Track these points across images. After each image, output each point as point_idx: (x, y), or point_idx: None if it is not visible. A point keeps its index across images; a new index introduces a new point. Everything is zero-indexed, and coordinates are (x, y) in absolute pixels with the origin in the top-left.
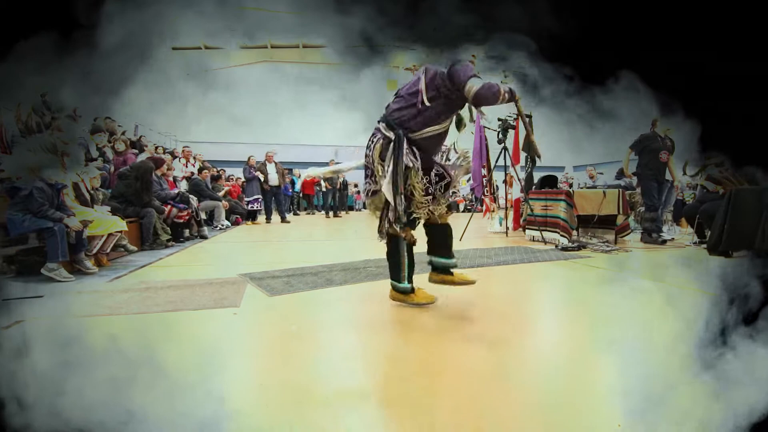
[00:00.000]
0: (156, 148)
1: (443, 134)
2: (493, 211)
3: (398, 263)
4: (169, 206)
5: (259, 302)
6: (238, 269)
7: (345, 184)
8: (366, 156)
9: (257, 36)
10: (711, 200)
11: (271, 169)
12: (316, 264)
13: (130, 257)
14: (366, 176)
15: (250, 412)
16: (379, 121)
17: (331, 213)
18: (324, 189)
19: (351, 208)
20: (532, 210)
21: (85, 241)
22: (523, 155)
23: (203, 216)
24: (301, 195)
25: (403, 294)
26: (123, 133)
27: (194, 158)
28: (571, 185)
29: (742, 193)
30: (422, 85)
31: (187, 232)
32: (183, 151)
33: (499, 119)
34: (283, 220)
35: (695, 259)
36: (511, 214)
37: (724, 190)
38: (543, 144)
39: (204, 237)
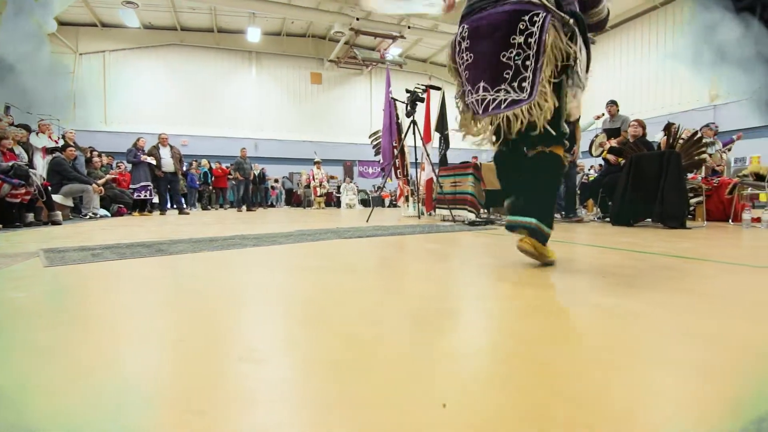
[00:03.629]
0: (11, 123)
1: None
2: (408, 195)
3: (555, 196)
4: None
5: (15, 273)
6: (51, 246)
7: (262, 177)
8: (519, 45)
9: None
10: (612, 173)
11: (165, 153)
12: (168, 239)
13: None
14: (506, 78)
15: None
16: None
17: (243, 207)
18: (234, 181)
19: (271, 205)
20: (441, 187)
21: None
22: (436, 135)
23: (68, 202)
24: (212, 188)
25: (544, 243)
26: None
27: (62, 136)
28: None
29: (642, 160)
30: None
31: (31, 216)
32: (39, 125)
33: (407, 90)
34: (181, 211)
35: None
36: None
37: (624, 161)
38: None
39: (57, 223)
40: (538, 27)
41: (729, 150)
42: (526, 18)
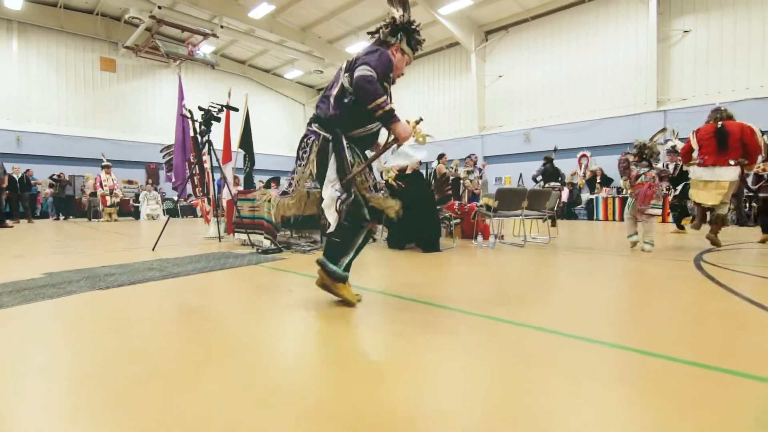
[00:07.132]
0: None
1: (377, 133)
2: (214, 215)
3: (349, 246)
4: None
5: None
6: None
7: (26, 182)
8: (300, 158)
9: None
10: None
11: None
12: None
13: None
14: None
15: None
16: (311, 123)
17: None
18: None
19: (46, 215)
20: (239, 212)
21: None
22: (240, 153)
23: None
24: None
25: (338, 281)
26: None
27: None
28: None
29: (409, 192)
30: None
31: None
32: None
33: (200, 108)
34: None
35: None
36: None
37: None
38: None
39: None
40: (309, 146)
41: (481, 177)
42: (305, 140)
